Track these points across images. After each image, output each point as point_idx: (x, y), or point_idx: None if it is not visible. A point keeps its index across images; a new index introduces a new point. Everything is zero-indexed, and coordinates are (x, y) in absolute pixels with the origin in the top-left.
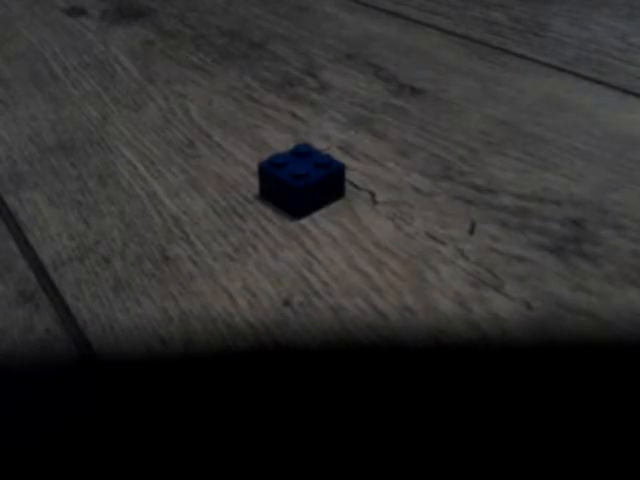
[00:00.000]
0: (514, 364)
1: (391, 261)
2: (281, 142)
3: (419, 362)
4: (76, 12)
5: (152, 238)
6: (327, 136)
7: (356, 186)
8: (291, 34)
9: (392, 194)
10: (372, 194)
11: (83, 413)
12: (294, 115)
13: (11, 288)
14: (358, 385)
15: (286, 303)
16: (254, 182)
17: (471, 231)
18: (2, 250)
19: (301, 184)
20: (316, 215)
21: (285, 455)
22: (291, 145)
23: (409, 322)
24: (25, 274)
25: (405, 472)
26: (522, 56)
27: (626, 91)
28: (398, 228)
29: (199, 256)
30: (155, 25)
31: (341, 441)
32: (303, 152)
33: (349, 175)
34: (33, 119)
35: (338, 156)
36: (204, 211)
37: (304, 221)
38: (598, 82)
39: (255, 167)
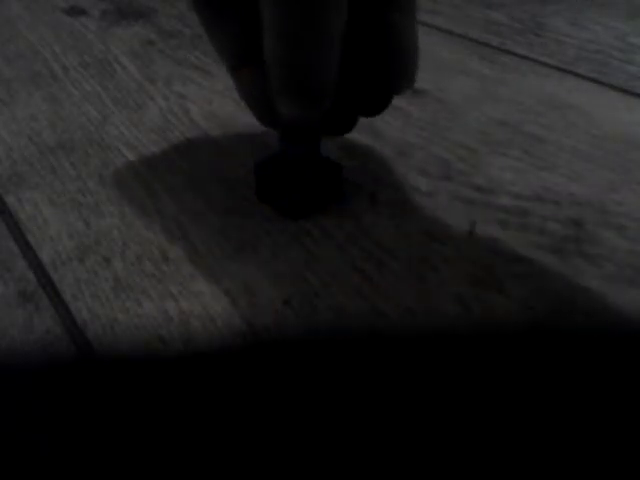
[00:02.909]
0: (514, 364)
1: (391, 261)
2: None
3: (419, 362)
4: (76, 12)
5: (152, 238)
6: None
7: (356, 186)
8: None
9: (392, 194)
10: (372, 194)
11: (83, 412)
12: None
13: (11, 288)
14: (358, 385)
15: (286, 303)
16: (254, 182)
17: (471, 231)
18: (2, 250)
19: (298, 184)
20: (316, 215)
21: (285, 455)
22: None
23: (409, 322)
24: (25, 274)
25: (405, 472)
26: (522, 56)
27: (626, 91)
28: (398, 228)
29: (199, 256)
30: (155, 25)
31: (341, 440)
32: (301, 152)
33: (349, 175)
34: (33, 119)
35: (338, 156)
36: (204, 211)
37: (304, 221)
38: (598, 82)
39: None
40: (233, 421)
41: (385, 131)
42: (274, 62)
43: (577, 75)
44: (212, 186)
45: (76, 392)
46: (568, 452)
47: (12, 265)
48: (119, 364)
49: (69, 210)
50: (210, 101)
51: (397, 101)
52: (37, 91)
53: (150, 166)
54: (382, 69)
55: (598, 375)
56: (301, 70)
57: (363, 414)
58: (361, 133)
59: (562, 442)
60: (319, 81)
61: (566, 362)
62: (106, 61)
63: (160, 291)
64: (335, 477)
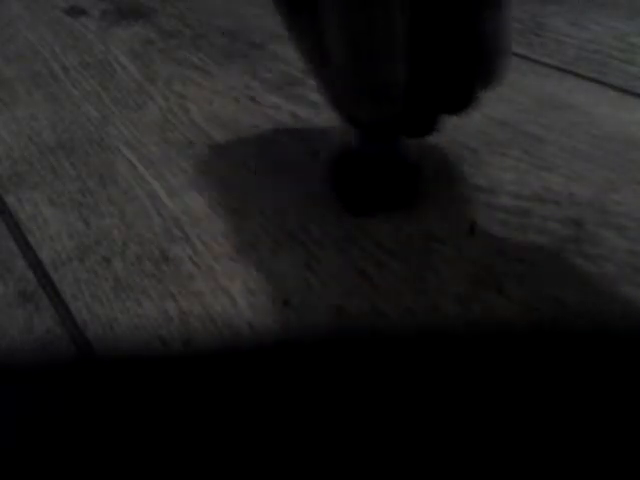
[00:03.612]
0: (514, 364)
1: (391, 261)
2: (282, 143)
3: (419, 362)
4: (76, 12)
5: (152, 238)
6: (327, 136)
7: None
8: None
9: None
10: None
11: (82, 412)
12: (294, 115)
13: (11, 288)
14: (358, 385)
15: (286, 303)
16: (254, 182)
17: (471, 231)
18: (2, 250)
19: (369, 182)
20: (316, 215)
21: (285, 455)
22: (292, 145)
23: (409, 322)
24: (25, 274)
25: (405, 471)
26: (522, 56)
27: (626, 91)
28: (398, 228)
29: (199, 256)
30: (155, 25)
31: (341, 441)
32: (377, 151)
33: None
34: (33, 119)
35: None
36: (204, 211)
37: (304, 221)
38: (598, 82)
39: (254, 167)
40: (233, 421)
41: None
42: (339, 68)
43: (577, 75)
44: (213, 186)
45: (76, 392)
46: (569, 451)
47: (12, 265)
48: (119, 364)
49: (69, 210)
50: (210, 101)
51: None
52: (37, 91)
53: (150, 166)
54: (471, 64)
55: (598, 374)
56: (366, 75)
57: (363, 413)
58: None
59: (563, 441)
60: (385, 84)
61: (566, 361)
62: (106, 61)
63: (160, 291)
64: (335, 477)
